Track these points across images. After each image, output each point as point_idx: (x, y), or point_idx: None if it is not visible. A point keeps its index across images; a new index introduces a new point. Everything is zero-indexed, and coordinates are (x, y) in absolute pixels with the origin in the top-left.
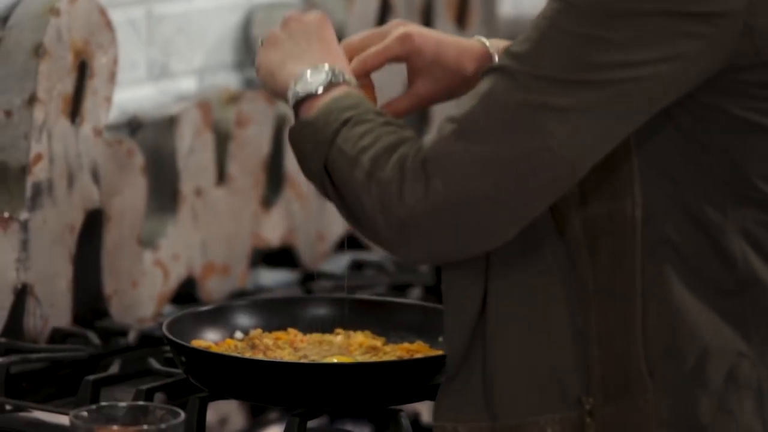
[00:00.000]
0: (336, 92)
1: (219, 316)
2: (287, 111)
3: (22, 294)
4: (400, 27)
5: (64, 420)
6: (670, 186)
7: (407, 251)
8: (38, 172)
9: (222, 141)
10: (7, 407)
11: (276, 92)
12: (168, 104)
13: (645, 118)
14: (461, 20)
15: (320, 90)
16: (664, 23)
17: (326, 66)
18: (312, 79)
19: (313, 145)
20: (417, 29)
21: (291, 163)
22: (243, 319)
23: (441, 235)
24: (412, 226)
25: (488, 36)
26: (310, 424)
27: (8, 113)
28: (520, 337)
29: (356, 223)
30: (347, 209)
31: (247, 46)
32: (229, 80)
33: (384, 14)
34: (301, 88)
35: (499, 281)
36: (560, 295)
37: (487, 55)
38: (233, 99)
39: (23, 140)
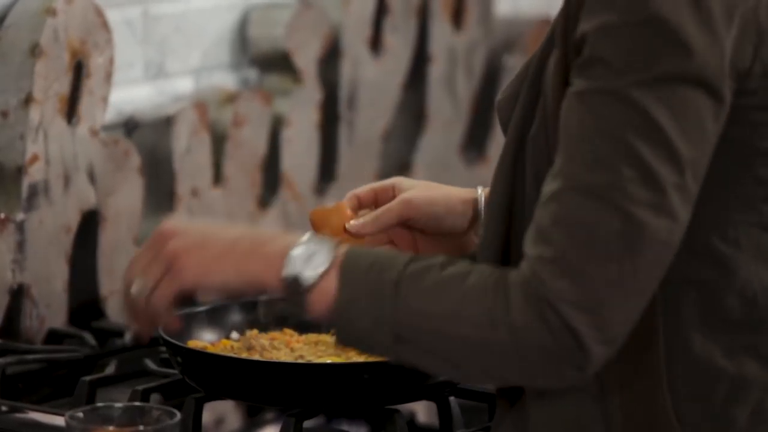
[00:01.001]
0: (341, 256)
1: (215, 316)
2: (284, 112)
3: (18, 295)
4: (403, 187)
5: (60, 421)
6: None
7: (572, 381)
8: (34, 173)
9: (218, 141)
10: (3, 408)
11: (256, 288)
12: (164, 104)
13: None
14: (457, 20)
15: (327, 264)
16: (704, 70)
17: (315, 239)
18: (306, 255)
19: (373, 322)
20: (418, 194)
21: (287, 163)
22: (239, 320)
23: (602, 359)
24: (575, 363)
25: (484, 36)
26: (307, 424)
27: (4, 113)
28: (547, 395)
29: (483, 376)
30: (463, 366)
31: (243, 47)
32: (226, 80)
33: (380, 14)
34: (307, 272)
35: None
36: None
37: (473, 199)
38: (230, 99)
39: (19, 141)
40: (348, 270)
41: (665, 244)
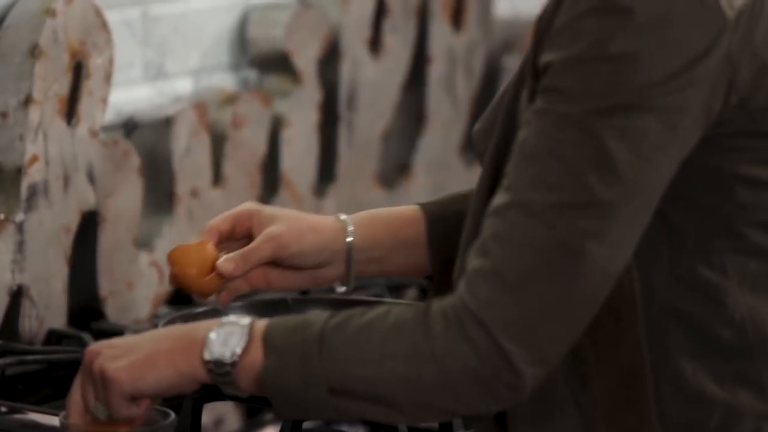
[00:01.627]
0: (257, 330)
1: (215, 317)
2: (284, 112)
3: (17, 295)
4: (262, 217)
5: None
6: (665, 252)
7: (505, 405)
8: (34, 174)
9: (218, 142)
10: (3, 409)
11: (184, 382)
12: (164, 105)
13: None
14: (457, 21)
15: (245, 340)
16: (657, 104)
17: (212, 324)
18: (223, 337)
19: (303, 382)
20: (284, 231)
21: (286, 164)
22: None
23: (536, 382)
24: (509, 385)
25: (484, 37)
26: (306, 425)
27: (4, 114)
28: (534, 422)
29: (426, 412)
30: (406, 405)
31: (243, 47)
32: (225, 81)
33: (380, 15)
34: (226, 352)
35: None
36: (560, 376)
37: (339, 228)
38: (229, 100)
39: (19, 141)
40: (270, 338)
41: (603, 272)
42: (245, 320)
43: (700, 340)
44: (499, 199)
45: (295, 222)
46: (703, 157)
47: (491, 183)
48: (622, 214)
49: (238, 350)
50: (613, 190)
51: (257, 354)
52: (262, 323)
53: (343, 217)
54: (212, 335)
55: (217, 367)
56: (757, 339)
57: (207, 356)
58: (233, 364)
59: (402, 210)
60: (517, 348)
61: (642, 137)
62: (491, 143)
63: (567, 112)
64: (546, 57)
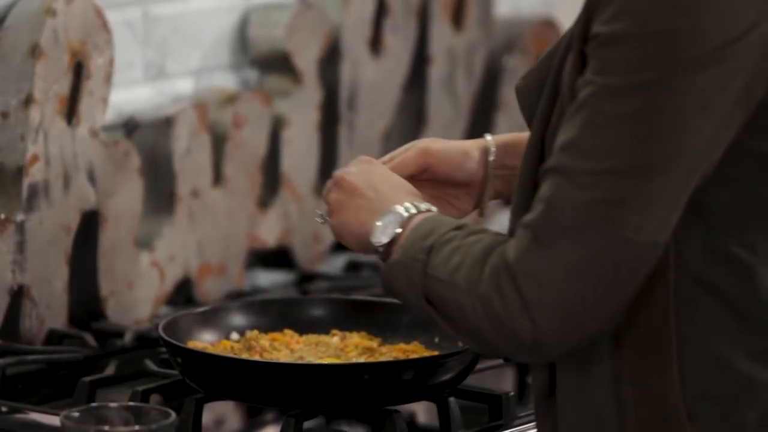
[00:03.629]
0: (412, 224)
1: (215, 317)
2: (284, 112)
3: (18, 295)
4: (420, 144)
5: None
6: (700, 228)
7: (530, 358)
8: (34, 173)
9: (218, 142)
10: (3, 409)
11: (366, 251)
12: (164, 105)
13: (699, 177)
14: (457, 21)
15: (397, 231)
16: (698, 79)
17: (396, 208)
18: (388, 225)
19: (407, 283)
20: (433, 143)
21: (287, 164)
22: (239, 321)
23: (555, 340)
24: (527, 339)
25: (484, 37)
26: (306, 424)
27: (5, 114)
28: (576, 375)
29: (474, 342)
30: (461, 332)
31: (243, 47)
32: (226, 81)
33: (380, 15)
34: (382, 238)
35: None
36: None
37: (482, 147)
38: (230, 100)
39: (19, 141)
40: (410, 235)
41: (629, 241)
42: (408, 210)
43: (727, 314)
44: (547, 162)
45: (443, 140)
46: (744, 139)
47: (540, 145)
48: (653, 186)
49: (385, 240)
50: (645, 162)
51: (396, 246)
52: (417, 218)
53: (488, 136)
54: (378, 223)
55: (376, 249)
56: None
57: (372, 239)
58: (383, 250)
59: None
60: (538, 301)
61: (678, 113)
62: (540, 107)
63: (608, 84)
64: (595, 27)
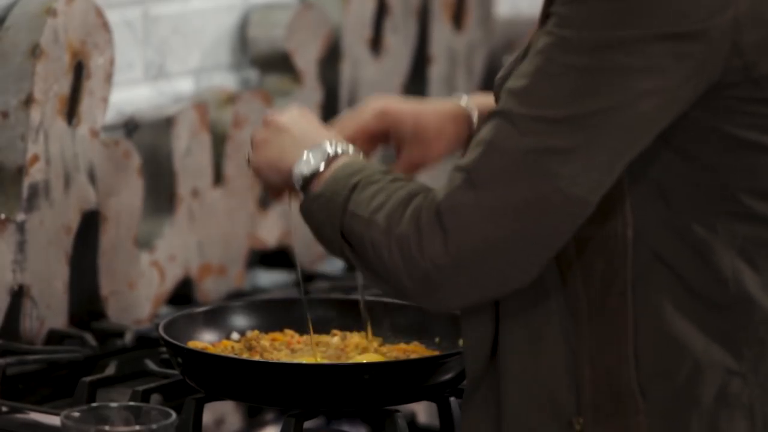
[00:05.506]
0: (339, 162)
1: (215, 317)
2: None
3: (18, 295)
4: (378, 102)
5: None
6: (660, 205)
7: (436, 302)
8: (35, 173)
9: (219, 142)
10: (4, 409)
11: (282, 184)
12: (164, 105)
13: (646, 144)
14: (458, 21)
15: (322, 166)
16: (654, 48)
17: (324, 143)
18: (313, 157)
19: (326, 216)
20: (394, 103)
21: None
22: (239, 321)
23: (467, 284)
24: (436, 278)
25: (484, 37)
26: (307, 424)
27: (5, 114)
28: (522, 356)
29: (381, 283)
30: (371, 270)
31: (243, 47)
32: (226, 81)
33: (381, 15)
34: (305, 169)
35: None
36: (555, 314)
37: (466, 117)
38: (230, 100)
39: (20, 141)
40: (335, 171)
41: (560, 192)
42: (334, 148)
43: (682, 291)
44: (496, 106)
45: (411, 103)
46: (709, 119)
47: None
48: (594, 142)
49: (307, 171)
50: (588, 117)
51: (319, 180)
52: (344, 157)
53: (465, 98)
54: (303, 155)
55: (295, 179)
56: (737, 299)
57: (295, 169)
58: (302, 184)
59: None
60: (458, 238)
61: (628, 75)
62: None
63: (566, 37)
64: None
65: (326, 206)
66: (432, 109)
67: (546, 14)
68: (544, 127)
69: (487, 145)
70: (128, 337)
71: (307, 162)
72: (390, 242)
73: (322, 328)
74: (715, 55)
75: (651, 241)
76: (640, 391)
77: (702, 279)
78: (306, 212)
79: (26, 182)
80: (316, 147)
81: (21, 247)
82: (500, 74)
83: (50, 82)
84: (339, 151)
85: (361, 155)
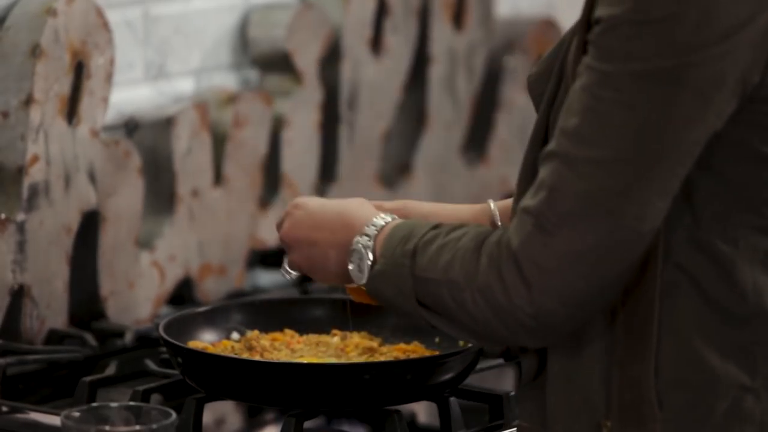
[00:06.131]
0: (384, 233)
1: (216, 317)
2: (285, 112)
3: (18, 295)
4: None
5: None
6: (688, 217)
7: (532, 342)
8: (35, 173)
9: (219, 142)
10: (4, 409)
11: (335, 280)
12: (165, 105)
13: (690, 168)
14: (458, 21)
15: (369, 261)
16: (694, 74)
17: (352, 244)
18: (356, 266)
19: (396, 289)
20: (415, 205)
21: (287, 164)
22: (239, 321)
23: (557, 323)
24: (530, 324)
25: (485, 37)
26: (307, 424)
27: (5, 114)
28: (567, 357)
29: (474, 335)
30: (460, 326)
31: (244, 47)
32: (226, 81)
33: (381, 15)
34: (363, 279)
35: None
36: (597, 319)
37: (489, 217)
38: (230, 100)
39: (20, 141)
40: (386, 244)
41: (630, 229)
42: (369, 233)
43: (705, 306)
44: (548, 146)
45: (433, 204)
46: (736, 132)
47: (545, 130)
48: (652, 176)
49: (365, 279)
50: (644, 153)
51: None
52: (389, 227)
53: (492, 203)
54: (350, 266)
55: (356, 277)
56: (756, 312)
57: (357, 282)
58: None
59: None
60: (541, 287)
61: (674, 103)
62: (547, 92)
63: (607, 71)
64: (598, 11)
65: (392, 281)
66: (452, 208)
67: (587, 20)
68: (600, 169)
69: (549, 190)
70: (128, 337)
71: (359, 270)
72: (474, 296)
73: (322, 328)
74: (755, 63)
75: (676, 253)
76: (658, 400)
77: (722, 291)
78: (374, 292)
79: (26, 182)
80: (352, 253)
81: (21, 247)
82: (534, 70)
83: (50, 82)
84: (380, 225)
85: (392, 216)
